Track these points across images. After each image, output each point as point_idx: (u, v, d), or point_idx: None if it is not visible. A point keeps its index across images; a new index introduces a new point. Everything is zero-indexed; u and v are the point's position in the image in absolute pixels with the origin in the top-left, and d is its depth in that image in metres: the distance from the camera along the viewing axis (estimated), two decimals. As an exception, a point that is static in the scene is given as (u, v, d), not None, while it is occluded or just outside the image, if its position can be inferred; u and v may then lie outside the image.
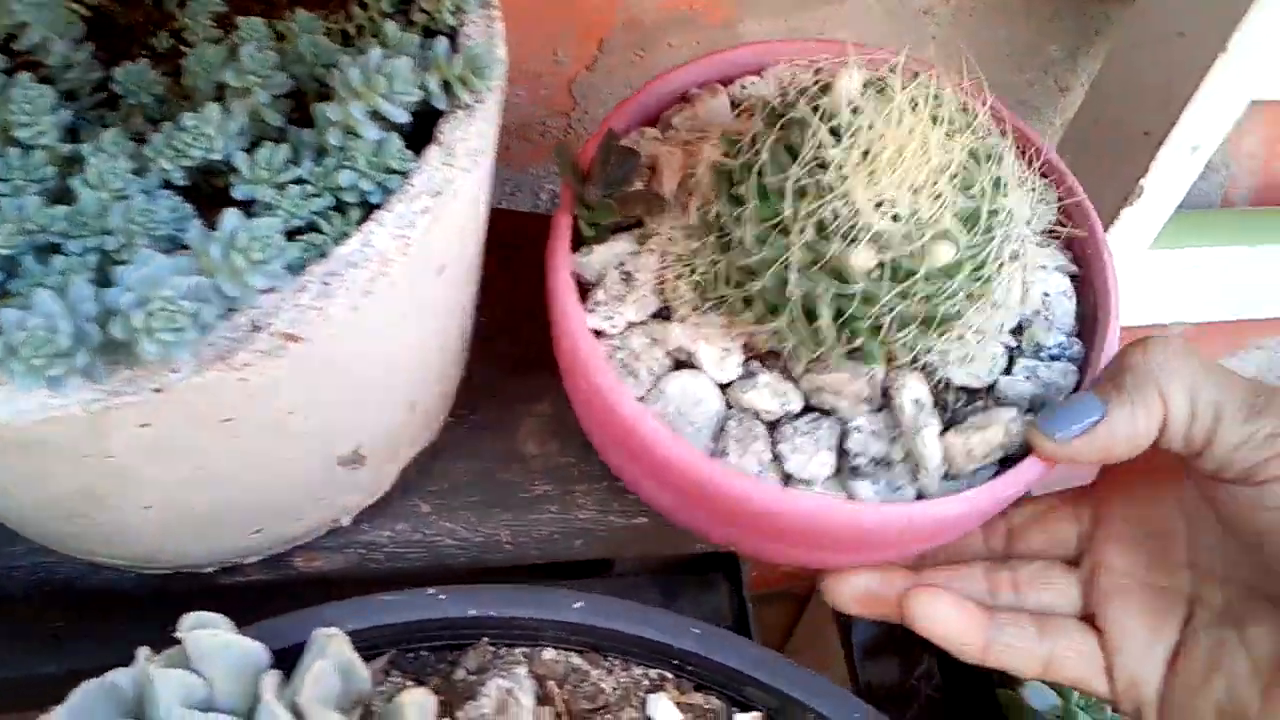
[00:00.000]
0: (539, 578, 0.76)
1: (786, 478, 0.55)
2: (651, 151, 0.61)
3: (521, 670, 0.55)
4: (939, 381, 0.56)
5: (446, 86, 0.49)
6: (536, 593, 0.55)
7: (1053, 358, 0.58)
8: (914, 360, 0.54)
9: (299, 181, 0.49)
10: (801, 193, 0.49)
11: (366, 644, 0.55)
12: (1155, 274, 0.90)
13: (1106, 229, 0.82)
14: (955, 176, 0.48)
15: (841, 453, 0.55)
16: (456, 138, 0.49)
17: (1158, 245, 0.86)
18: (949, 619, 0.55)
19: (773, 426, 0.56)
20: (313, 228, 0.49)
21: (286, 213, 0.47)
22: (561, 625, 0.55)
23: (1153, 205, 0.80)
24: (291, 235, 0.48)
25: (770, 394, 0.55)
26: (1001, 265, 0.51)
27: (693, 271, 0.55)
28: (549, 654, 0.56)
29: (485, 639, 0.56)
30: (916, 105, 0.48)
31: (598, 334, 0.57)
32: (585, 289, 0.58)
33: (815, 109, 0.49)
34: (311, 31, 0.53)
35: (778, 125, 0.50)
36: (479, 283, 0.65)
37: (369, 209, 0.48)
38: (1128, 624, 0.57)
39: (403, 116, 0.48)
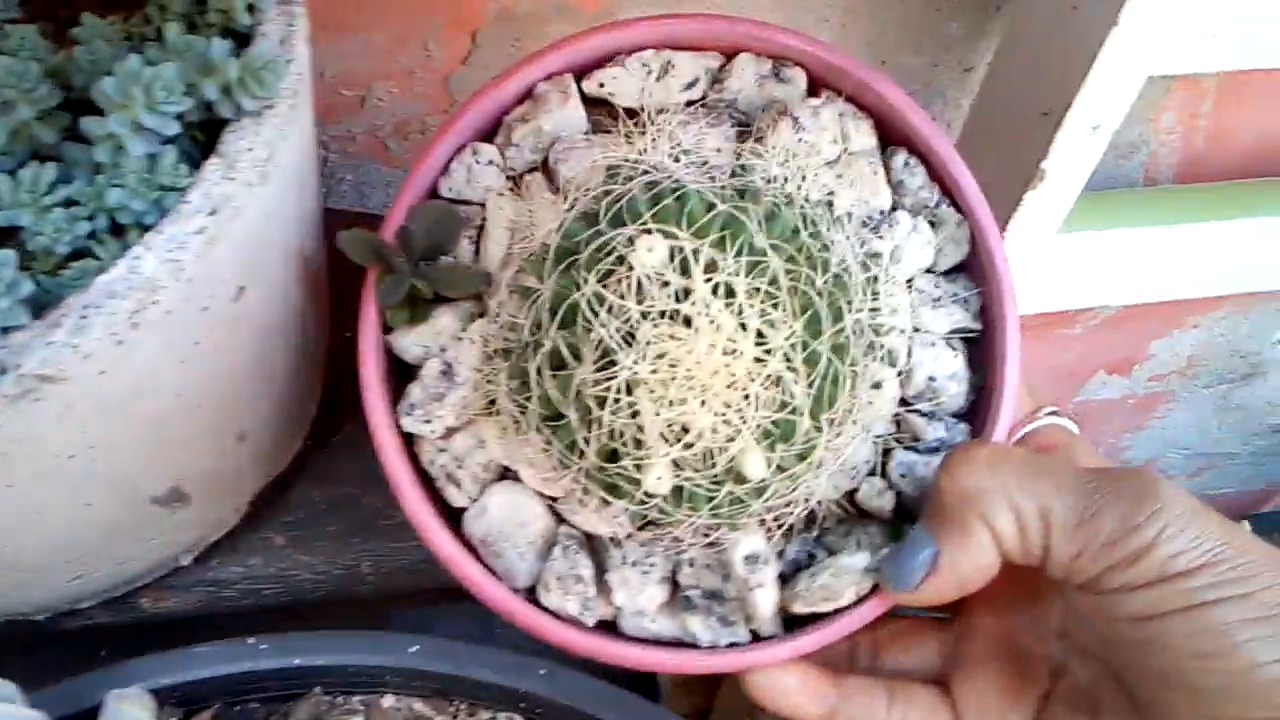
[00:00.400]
0: (435, 603, 0.73)
1: (616, 609, 0.51)
2: (480, 196, 0.54)
3: (357, 720, 0.51)
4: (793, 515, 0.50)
5: (227, 92, 0.45)
6: (368, 638, 0.51)
7: (932, 450, 0.53)
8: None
9: (70, 203, 0.44)
10: (579, 398, 0.44)
11: (188, 698, 0.51)
12: (1067, 258, 0.86)
13: (1010, 214, 0.78)
14: (771, 376, 0.44)
15: (675, 583, 0.51)
16: (240, 148, 0.45)
17: (1068, 229, 0.83)
18: (789, 691, 0.51)
19: (610, 544, 0.51)
20: (88, 252, 0.44)
21: (49, 238, 0.43)
22: (399, 670, 0.51)
23: (1056, 188, 0.76)
24: (64, 262, 0.44)
25: (599, 519, 0.50)
26: (851, 408, 0.48)
27: (510, 377, 0.49)
28: (389, 701, 0.52)
29: (319, 688, 0.52)
30: (724, 292, 0.43)
31: (413, 437, 0.52)
32: (409, 371, 0.53)
33: (606, 284, 0.44)
34: (97, 36, 0.48)
35: (559, 314, 0.45)
36: (325, 299, 0.61)
37: (148, 230, 0.44)
38: (984, 696, 0.52)
39: (171, 128, 0.43)
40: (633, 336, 0.43)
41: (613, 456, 0.44)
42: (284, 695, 0.52)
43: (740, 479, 0.44)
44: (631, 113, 0.54)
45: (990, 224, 0.55)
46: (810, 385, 0.45)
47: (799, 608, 0.50)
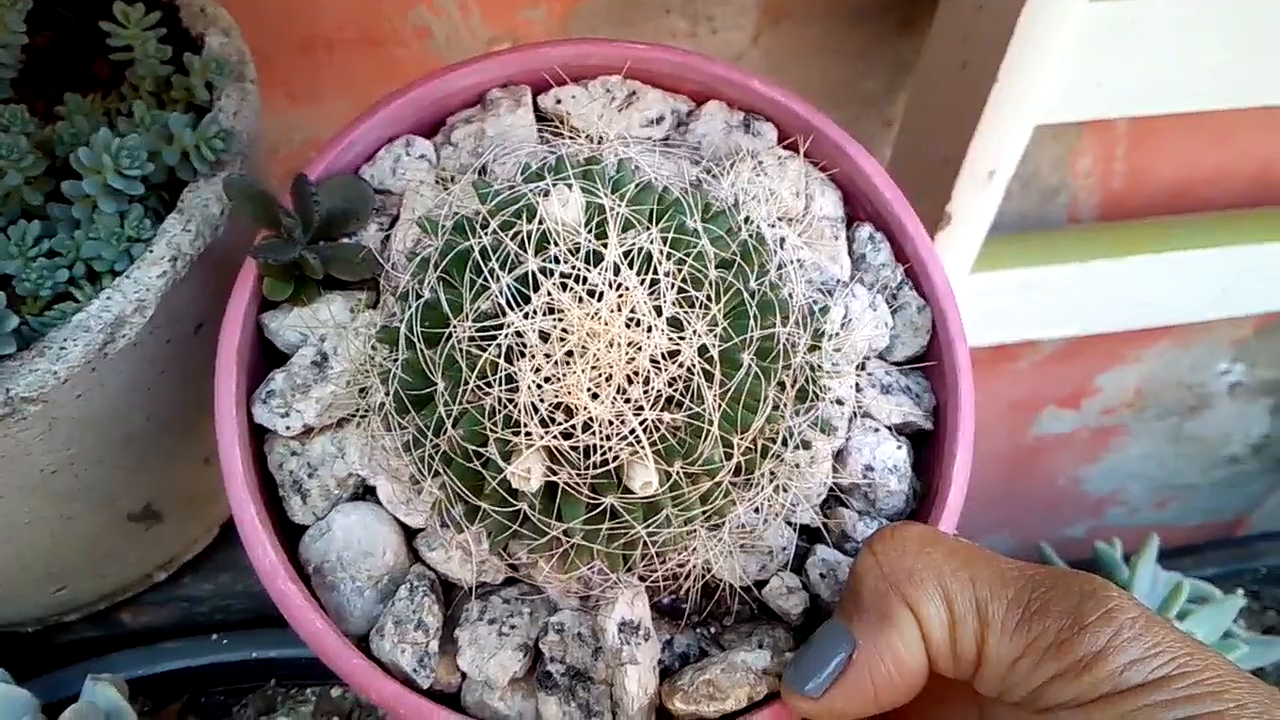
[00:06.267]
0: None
1: (463, 675, 0.43)
2: (402, 188, 0.49)
3: (307, 709, 0.57)
4: (687, 576, 0.43)
5: (185, 157, 0.52)
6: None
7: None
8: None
9: (52, 254, 0.52)
10: (452, 364, 0.37)
11: (162, 690, 0.58)
12: (982, 297, 0.93)
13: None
14: (679, 371, 0.37)
15: (536, 654, 0.43)
16: (196, 204, 0.52)
17: (980, 268, 0.89)
18: None
19: (470, 593, 0.44)
20: (69, 296, 0.52)
21: (33, 284, 0.50)
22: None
23: (962, 230, 0.83)
24: (49, 304, 0.52)
25: (462, 558, 0.43)
26: (774, 467, 0.41)
27: (379, 382, 0.42)
28: (336, 691, 0.59)
29: (274, 680, 0.58)
30: (640, 262, 0.37)
31: (265, 432, 0.45)
32: (281, 360, 0.46)
33: (511, 233, 0.38)
34: (78, 113, 0.56)
35: (449, 254, 0.39)
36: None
37: (119, 275, 0.51)
38: None
39: (137, 189, 0.51)
40: (525, 299, 0.37)
41: (481, 443, 0.38)
42: (245, 688, 0.58)
43: (626, 490, 0.38)
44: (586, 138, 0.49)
45: (955, 315, 0.49)
46: (724, 395, 0.38)
47: (679, 704, 0.42)
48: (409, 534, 0.45)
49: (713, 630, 0.45)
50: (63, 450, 0.51)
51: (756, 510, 0.44)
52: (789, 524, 0.46)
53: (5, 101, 0.57)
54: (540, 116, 0.51)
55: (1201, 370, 1.33)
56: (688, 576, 0.43)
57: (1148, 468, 1.49)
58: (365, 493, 0.45)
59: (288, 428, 0.45)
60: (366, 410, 0.44)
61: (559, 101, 0.51)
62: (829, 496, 0.47)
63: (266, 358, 0.48)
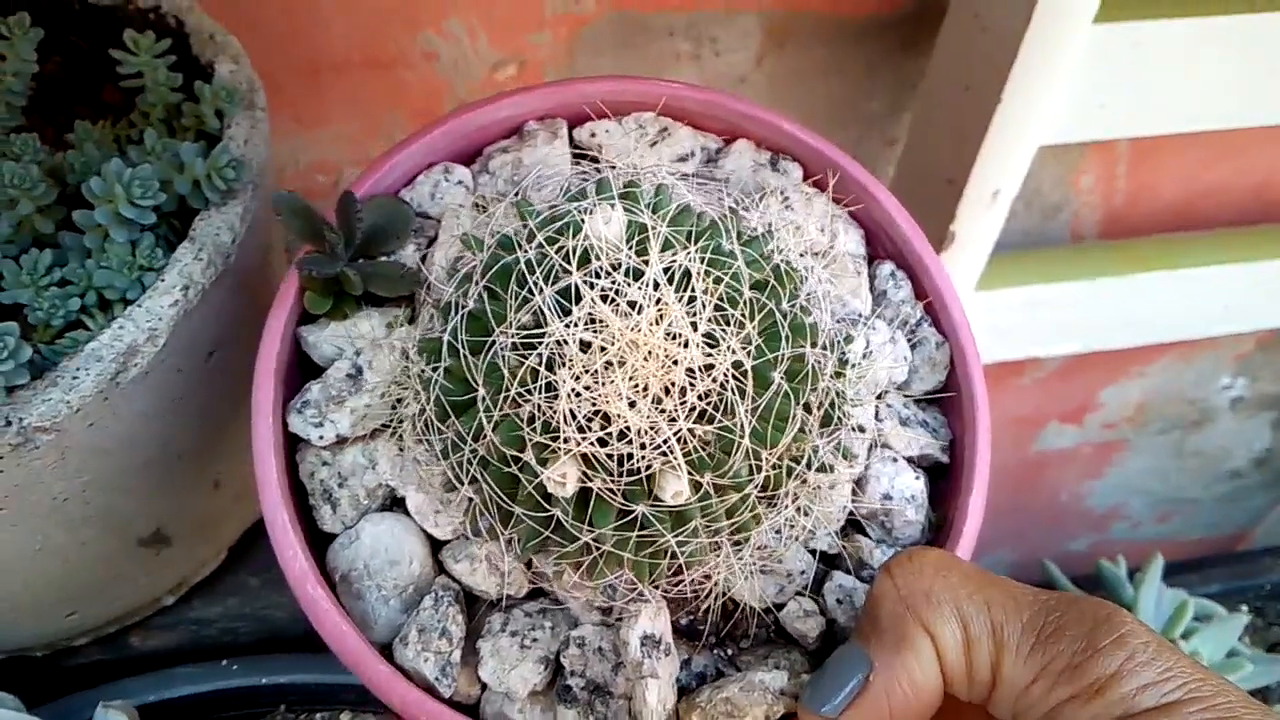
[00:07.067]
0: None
1: (483, 686, 0.44)
2: (440, 212, 0.51)
3: (316, 734, 0.57)
4: (706, 597, 0.44)
5: (197, 186, 0.53)
6: (327, 659, 0.58)
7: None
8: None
9: (64, 283, 0.52)
10: (494, 371, 0.39)
11: (173, 717, 0.58)
12: (986, 314, 0.93)
13: (928, 274, 0.86)
14: (714, 384, 0.38)
15: (557, 667, 0.44)
16: (208, 233, 0.52)
17: (985, 286, 0.90)
18: None
19: (493, 606, 0.45)
20: (80, 324, 0.52)
21: (46, 312, 0.51)
22: (355, 688, 0.58)
23: (966, 248, 0.84)
24: (61, 332, 0.52)
25: (487, 570, 0.44)
26: (798, 482, 0.42)
27: (420, 390, 0.43)
28: (346, 716, 0.59)
29: (283, 706, 0.58)
30: (679, 279, 0.39)
31: (299, 442, 0.47)
32: (317, 373, 0.48)
33: (555, 248, 0.40)
34: (88, 140, 0.57)
35: (493, 268, 0.41)
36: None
37: (131, 304, 0.52)
38: None
39: (149, 218, 0.51)
40: (566, 312, 0.38)
41: (520, 447, 0.39)
42: (255, 713, 0.59)
43: (657, 499, 0.39)
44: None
45: (973, 350, 0.51)
46: (754, 411, 0.39)
47: None
48: (435, 546, 0.46)
49: (730, 652, 0.46)
50: (75, 478, 0.51)
51: (777, 532, 0.45)
52: (808, 549, 0.47)
53: (16, 129, 0.58)
54: (575, 148, 0.53)
55: (1204, 385, 1.33)
56: (709, 595, 0.44)
57: (1150, 482, 1.49)
58: (393, 504, 0.46)
59: (321, 437, 0.46)
60: (400, 421, 0.45)
61: (594, 135, 0.53)
62: (847, 523, 0.48)
63: (302, 370, 0.49)
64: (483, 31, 0.77)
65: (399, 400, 0.45)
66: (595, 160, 0.52)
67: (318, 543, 0.46)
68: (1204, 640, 0.90)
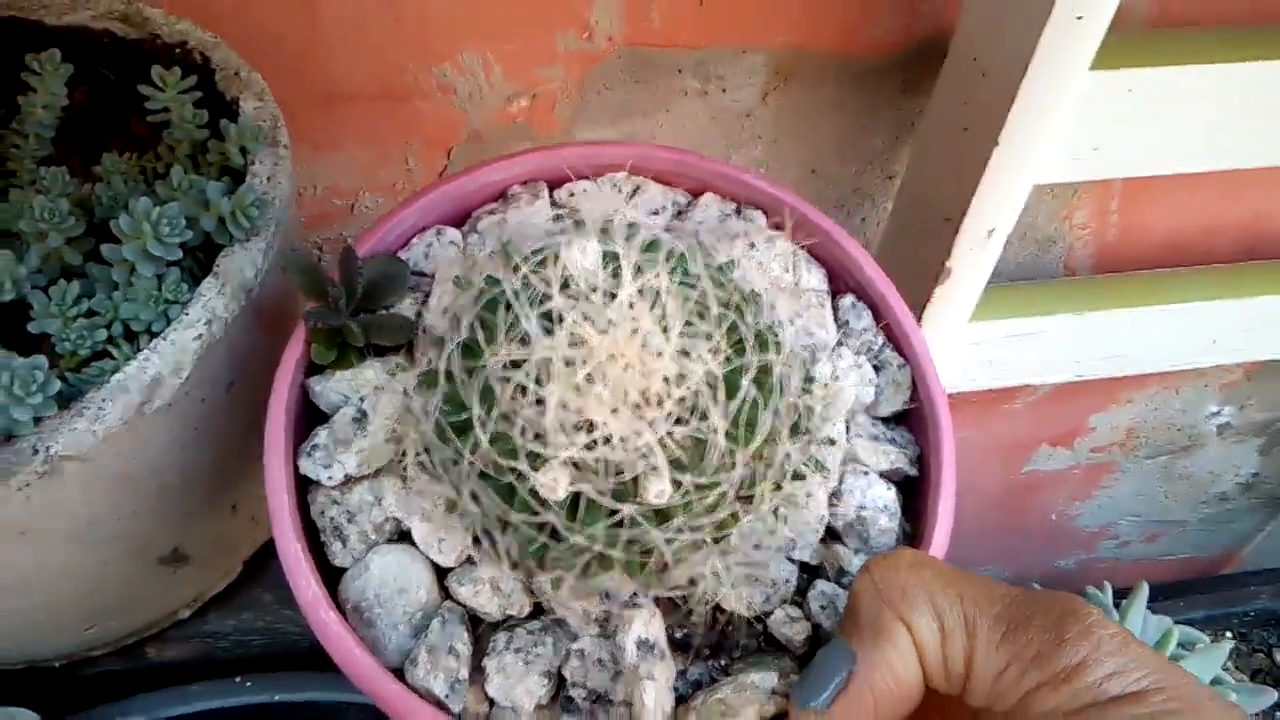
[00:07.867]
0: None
1: (490, 703, 0.46)
2: (433, 269, 0.55)
3: (324, 750, 0.59)
4: (696, 603, 0.46)
5: (222, 223, 0.55)
6: (337, 677, 0.60)
7: None
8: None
9: (91, 314, 0.54)
10: (487, 392, 0.42)
11: (185, 731, 0.60)
12: (980, 345, 0.95)
13: (923, 306, 0.88)
14: (693, 389, 0.41)
15: (560, 681, 0.47)
16: (232, 269, 0.54)
17: (978, 317, 0.92)
18: None
19: (496, 627, 0.48)
20: (106, 354, 0.54)
21: (73, 343, 0.53)
22: (362, 707, 0.60)
23: (961, 283, 0.86)
24: (87, 361, 0.54)
25: (491, 591, 0.47)
26: (778, 485, 0.45)
27: (420, 418, 0.46)
28: (354, 734, 0.61)
29: (294, 722, 0.60)
30: (650, 297, 0.42)
31: (310, 482, 0.50)
32: (324, 420, 0.51)
33: (534, 281, 0.43)
34: (116, 173, 0.59)
35: (480, 302, 0.44)
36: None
37: (156, 336, 0.54)
38: None
39: (175, 254, 0.53)
40: (551, 332, 0.42)
41: (513, 456, 0.42)
42: (266, 729, 0.61)
43: (642, 500, 0.41)
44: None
45: (932, 371, 0.55)
46: (726, 415, 0.42)
47: None
48: (440, 573, 0.48)
49: (722, 662, 0.48)
50: (99, 504, 0.53)
51: (757, 546, 0.48)
52: (790, 559, 0.50)
53: (45, 161, 0.60)
54: (556, 207, 0.58)
55: (1192, 412, 1.35)
56: (699, 601, 0.46)
57: (1138, 504, 1.52)
58: (400, 537, 0.49)
59: (330, 478, 0.49)
60: (403, 454, 0.48)
61: (572, 194, 0.58)
62: (826, 534, 0.52)
63: (310, 415, 0.52)
64: (498, 66, 0.79)
65: (400, 438, 0.48)
66: (574, 217, 0.57)
67: (329, 578, 0.48)
68: (1189, 667, 0.92)
